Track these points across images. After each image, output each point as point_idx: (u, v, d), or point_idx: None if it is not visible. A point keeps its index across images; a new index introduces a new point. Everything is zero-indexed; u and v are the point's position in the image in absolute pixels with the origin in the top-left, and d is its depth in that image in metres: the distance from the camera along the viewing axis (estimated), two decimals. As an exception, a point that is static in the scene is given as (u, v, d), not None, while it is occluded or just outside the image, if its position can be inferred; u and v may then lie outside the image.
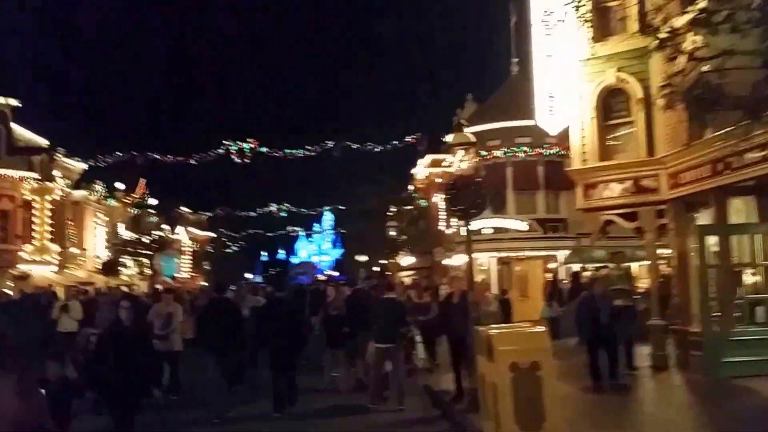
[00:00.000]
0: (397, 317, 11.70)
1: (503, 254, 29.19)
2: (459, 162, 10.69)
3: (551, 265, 28.43)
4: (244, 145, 31.64)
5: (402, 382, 11.59)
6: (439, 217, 34.58)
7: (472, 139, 11.36)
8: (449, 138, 11.65)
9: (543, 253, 28.86)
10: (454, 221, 26.84)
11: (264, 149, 32.08)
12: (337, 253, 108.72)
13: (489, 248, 27.75)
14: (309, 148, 33.31)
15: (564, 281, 24.24)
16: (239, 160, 31.72)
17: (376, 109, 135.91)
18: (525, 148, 28.52)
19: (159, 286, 16.18)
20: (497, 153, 28.84)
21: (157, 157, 32.59)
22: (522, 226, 28.45)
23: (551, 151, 26.55)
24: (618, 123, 14.38)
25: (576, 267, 24.80)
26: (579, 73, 13.93)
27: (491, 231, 27.90)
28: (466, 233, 11.38)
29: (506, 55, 31.16)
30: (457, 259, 30.07)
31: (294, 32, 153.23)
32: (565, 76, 13.95)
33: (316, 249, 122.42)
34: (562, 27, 12.01)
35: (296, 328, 11.32)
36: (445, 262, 33.73)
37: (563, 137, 15.90)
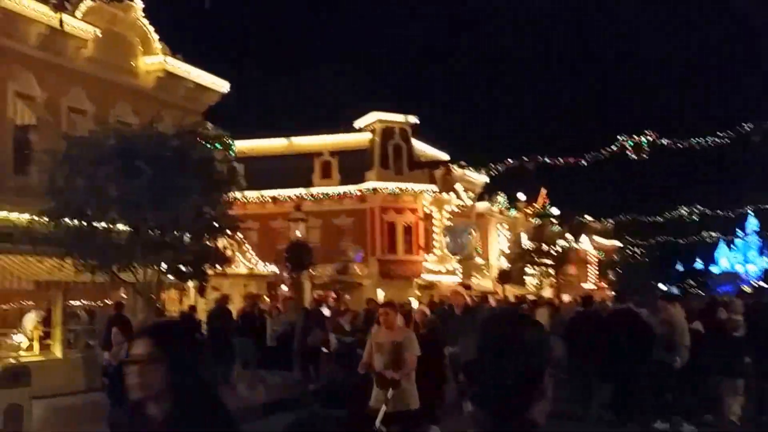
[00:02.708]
0: None
1: None
2: None
3: None
4: (642, 138, 27.98)
5: None
6: None
7: None
8: None
9: None
10: None
11: (665, 141, 27.98)
12: (765, 261, 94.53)
13: None
14: (720, 134, 28.08)
15: None
16: (636, 157, 28.17)
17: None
18: None
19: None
20: None
21: (548, 160, 30.81)
22: None
23: None
24: None
25: None
26: None
27: None
28: None
29: None
30: None
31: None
32: None
33: (741, 257, 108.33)
34: None
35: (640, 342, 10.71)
36: None
37: None
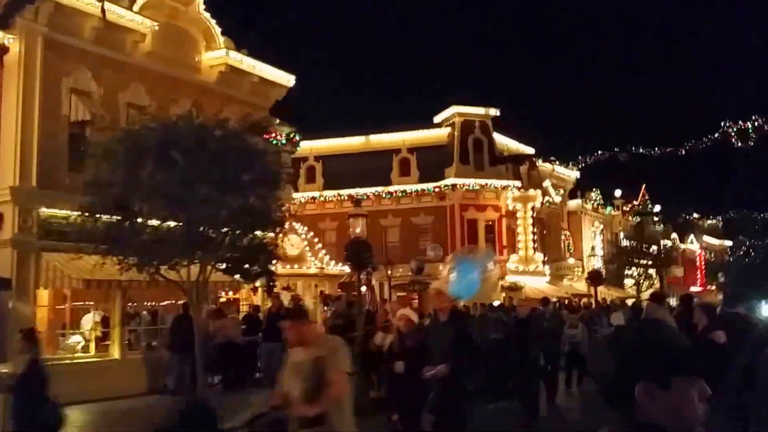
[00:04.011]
0: None
1: None
2: None
3: None
4: (747, 124, 25.26)
5: None
6: None
7: None
8: None
9: None
10: None
11: (774, 127, 25.14)
12: None
13: None
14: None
15: None
16: (742, 144, 25.48)
17: None
18: None
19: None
20: None
21: (642, 151, 28.47)
22: None
23: None
24: None
25: None
26: None
27: None
28: None
29: None
30: None
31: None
32: None
33: None
34: None
35: None
36: None
37: None
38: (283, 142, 21.80)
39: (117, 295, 16.90)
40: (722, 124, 26.33)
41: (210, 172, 12.65)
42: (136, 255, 13.06)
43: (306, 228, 25.98)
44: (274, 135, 21.16)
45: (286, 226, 23.95)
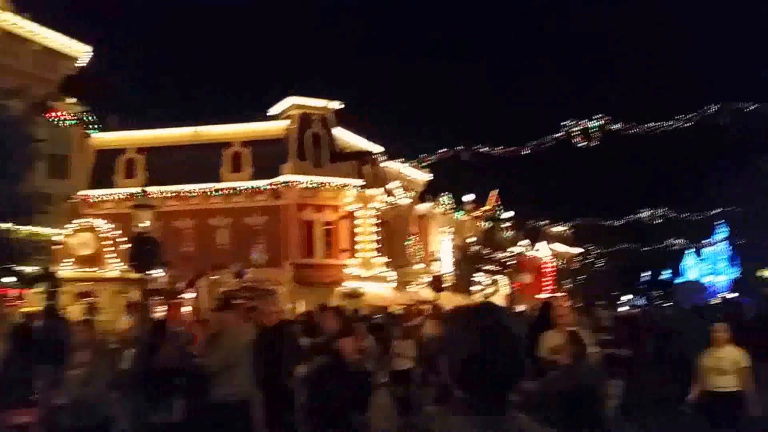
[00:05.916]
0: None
1: None
2: None
3: None
4: (590, 123, 24.22)
5: None
6: None
7: None
8: None
9: None
10: None
11: (617, 126, 24.22)
12: (735, 272, 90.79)
13: None
14: (683, 117, 24.19)
15: None
16: (585, 144, 24.43)
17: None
18: None
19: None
20: None
21: (486, 149, 27.08)
22: None
23: None
24: None
25: None
26: None
27: None
28: None
29: None
30: None
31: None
32: None
33: (710, 267, 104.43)
34: None
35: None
36: None
37: None
38: (72, 122, 18.44)
39: None
40: (563, 123, 25.23)
41: None
42: None
43: (112, 225, 22.60)
44: (58, 114, 17.80)
45: (76, 222, 20.68)
